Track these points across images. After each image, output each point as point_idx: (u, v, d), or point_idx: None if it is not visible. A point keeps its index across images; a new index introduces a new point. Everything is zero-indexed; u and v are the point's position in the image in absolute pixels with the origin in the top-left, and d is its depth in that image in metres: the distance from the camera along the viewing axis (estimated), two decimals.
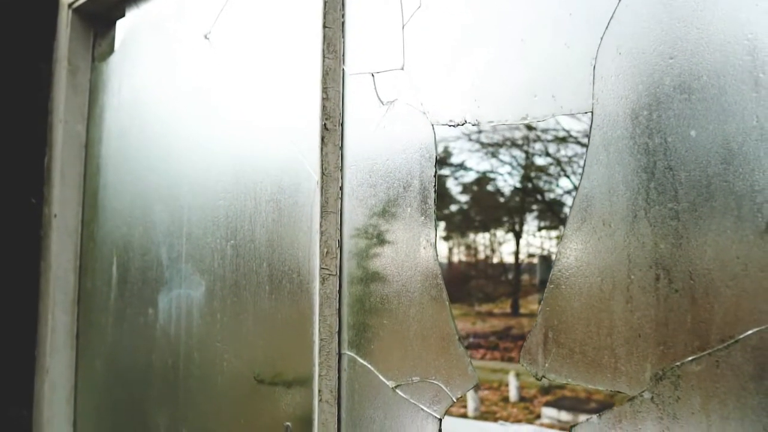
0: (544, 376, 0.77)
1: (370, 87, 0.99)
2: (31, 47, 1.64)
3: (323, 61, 1.03)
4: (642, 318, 0.70)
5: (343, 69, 1.03)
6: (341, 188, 1.01)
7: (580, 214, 0.75)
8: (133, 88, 1.52)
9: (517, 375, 8.06)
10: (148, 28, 1.52)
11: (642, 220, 0.71)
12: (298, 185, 1.06)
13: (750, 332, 0.64)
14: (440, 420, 0.86)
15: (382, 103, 0.97)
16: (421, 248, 0.90)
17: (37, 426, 1.55)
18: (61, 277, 1.59)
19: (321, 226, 1.00)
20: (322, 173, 1.01)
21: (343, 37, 1.04)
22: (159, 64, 1.46)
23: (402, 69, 0.95)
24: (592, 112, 0.75)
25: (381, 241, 0.95)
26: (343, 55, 1.04)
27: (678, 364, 0.68)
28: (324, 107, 1.02)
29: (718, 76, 0.67)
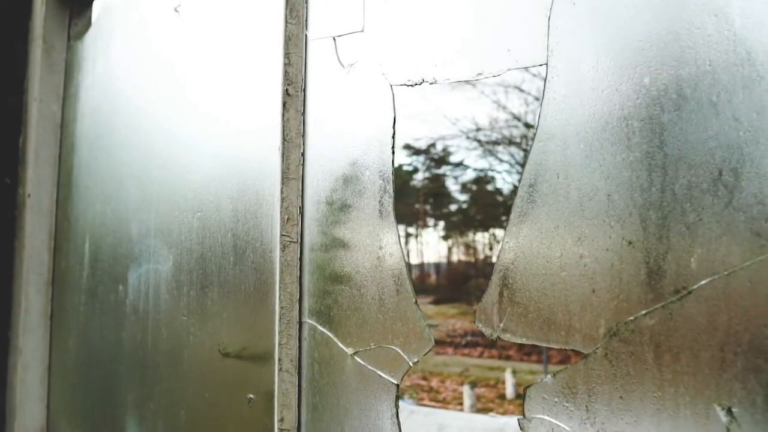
0: (498, 337, 0.75)
1: (331, 51, 0.98)
2: (6, 26, 1.63)
3: (285, 26, 1.01)
4: (595, 272, 0.68)
5: (306, 34, 1.02)
6: (303, 154, 0.99)
7: (536, 164, 0.73)
8: (107, 65, 1.50)
9: (514, 372, 8.03)
10: (121, 4, 1.50)
11: (596, 170, 0.69)
12: (264, 154, 1.04)
13: (703, 282, 0.62)
14: (397, 386, 0.84)
15: (342, 66, 0.95)
16: (378, 211, 0.88)
17: (10, 407, 1.53)
18: (35, 258, 1.58)
19: (282, 192, 0.98)
20: (284, 139, 0.99)
21: (306, 3, 1.03)
22: (131, 41, 1.44)
23: (362, 31, 0.94)
24: (546, 65, 0.73)
25: (342, 206, 0.94)
26: (306, 21, 1.02)
27: (631, 318, 0.66)
28: (286, 73, 1.00)
29: (675, 21, 0.65)
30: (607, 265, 0.67)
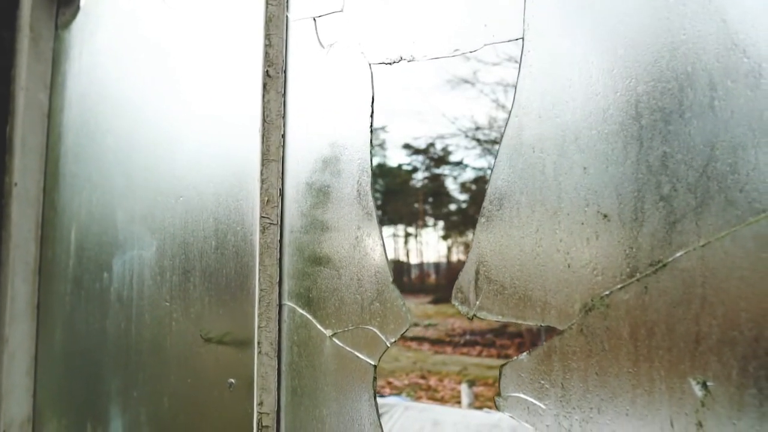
0: (475, 315, 0.74)
1: (312, 32, 0.97)
2: None
3: (267, 8, 1.00)
4: (570, 247, 0.67)
5: (287, 15, 1.01)
6: (283, 136, 0.98)
7: (512, 139, 0.72)
8: (93, 54, 1.49)
9: None
10: None
11: (571, 144, 0.68)
12: (245, 134, 1.04)
13: (678, 254, 0.61)
14: (375, 366, 0.83)
15: (322, 46, 0.95)
16: (356, 191, 0.87)
17: None
18: (21, 247, 1.57)
19: (262, 174, 0.97)
20: (264, 121, 0.98)
21: None
22: (116, 28, 1.43)
23: (342, 11, 0.93)
24: (522, 39, 0.72)
25: (322, 187, 0.93)
26: (287, 2, 1.01)
27: (606, 293, 0.65)
28: (266, 54, 0.99)
29: None
30: (583, 239, 0.66)
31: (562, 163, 0.68)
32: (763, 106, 0.57)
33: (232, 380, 1.03)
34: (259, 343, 0.94)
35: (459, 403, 7.35)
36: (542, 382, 0.69)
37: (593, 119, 0.66)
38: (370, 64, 0.88)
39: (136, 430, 1.22)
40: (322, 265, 0.91)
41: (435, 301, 18.76)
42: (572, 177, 0.67)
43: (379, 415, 0.82)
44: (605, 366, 0.65)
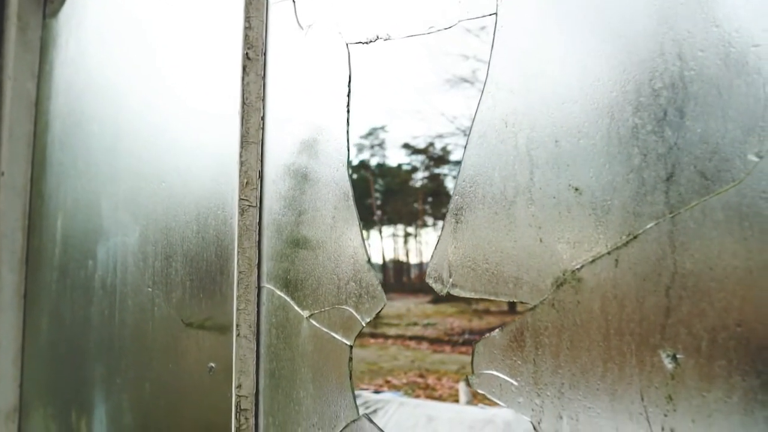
0: (448, 292, 0.74)
1: (291, 13, 0.96)
2: None
3: None
4: (543, 221, 0.67)
5: None
6: (263, 118, 0.98)
7: (484, 114, 0.71)
8: (79, 42, 1.49)
9: None
10: None
11: (543, 117, 0.67)
12: (224, 116, 1.03)
13: (649, 226, 0.60)
14: (351, 347, 0.82)
15: (301, 27, 0.94)
16: (335, 170, 0.87)
17: None
18: (8, 236, 1.56)
19: (241, 156, 0.96)
20: (243, 103, 0.97)
21: None
22: (102, 16, 1.43)
23: None
24: (496, 14, 0.72)
25: (300, 169, 0.92)
26: None
27: (578, 266, 0.64)
28: (246, 36, 0.99)
29: None
30: (555, 213, 0.66)
31: (534, 138, 0.67)
32: (733, 75, 0.56)
33: (213, 364, 1.02)
34: (237, 325, 0.94)
35: (457, 401, 7.34)
36: (514, 358, 0.68)
37: (565, 92, 0.66)
38: (347, 44, 0.87)
39: (119, 416, 1.21)
40: (300, 247, 0.90)
41: (434, 301, 18.76)
42: (545, 151, 0.67)
43: (354, 396, 0.82)
44: (576, 341, 0.64)
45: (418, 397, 7.03)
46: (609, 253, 0.63)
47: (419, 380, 8.61)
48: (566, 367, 0.65)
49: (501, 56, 0.71)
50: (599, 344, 0.63)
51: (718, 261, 0.56)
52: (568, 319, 0.65)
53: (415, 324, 14.57)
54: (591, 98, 0.64)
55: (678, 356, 0.59)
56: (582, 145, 0.64)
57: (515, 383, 0.68)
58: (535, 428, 0.66)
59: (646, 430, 0.60)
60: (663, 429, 0.59)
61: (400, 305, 18.77)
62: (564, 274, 0.65)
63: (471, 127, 0.72)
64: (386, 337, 12.96)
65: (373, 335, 13.22)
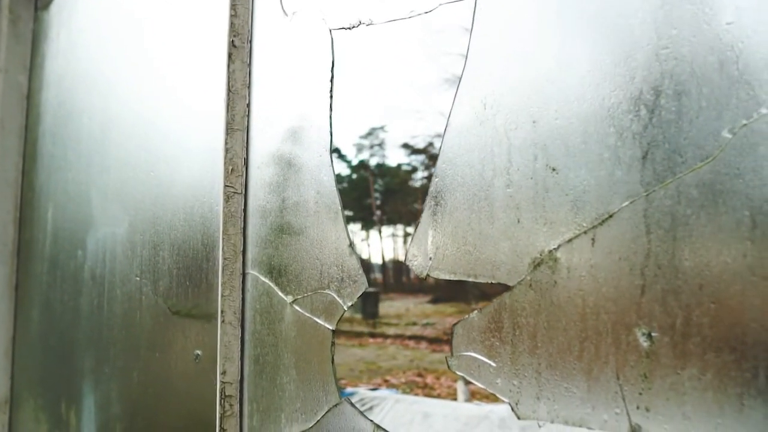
0: (428, 275, 0.74)
1: (276, 0, 0.96)
2: None
3: None
4: (521, 201, 0.67)
5: None
6: (248, 105, 0.98)
7: (464, 96, 0.71)
8: (70, 34, 1.49)
9: None
10: None
11: (522, 98, 0.67)
12: (211, 105, 1.03)
13: (624, 204, 0.60)
14: (333, 331, 0.82)
15: (286, 14, 0.94)
16: (318, 155, 0.87)
17: None
18: None
19: (226, 143, 0.97)
20: (229, 90, 0.97)
21: None
22: (94, 6, 1.43)
23: None
24: None
25: (285, 155, 0.92)
26: None
27: (555, 247, 0.64)
28: (232, 24, 0.99)
29: None
30: (532, 193, 0.66)
31: (512, 119, 0.68)
32: (707, 51, 0.57)
33: (199, 352, 1.02)
34: (222, 312, 0.94)
35: (455, 399, 7.33)
36: (493, 340, 0.68)
37: (542, 73, 0.66)
38: (330, 30, 0.87)
39: (107, 406, 1.21)
40: (284, 233, 0.90)
41: (434, 301, 18.75)
42: (522, 131, 0.67)
43: (336, 380, 0.82)
44: (553, 321, 0.64)
45: (416, 395, 7.03)
46: (585, 232, 0.63)
47: (418, 379, 8.61)
48: (543, 347, 0.65)
49: (480, 38, 0.71)
50: (576, 324, 0.63)
51: (692, 238, 0.56)
52: (545, 299, 0.65)
53: (414, 324, 14.57)
54: (567, 79, 0.64)
55: (653, 334, 0.59)
56: (559, 125, 0.65)
57: (493, 364, 0.68)
58: (513, 409, 0.66)
59: (621, 408, 0.60)
60: (638, 407, 0.59)
61: (400, 305, 18.76)
62: (541, 255, 0.65)
63: (451, 110, 0.72)
64: (385, 336, 12.96)
65: (372, 335, 13.21)
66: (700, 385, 0.56)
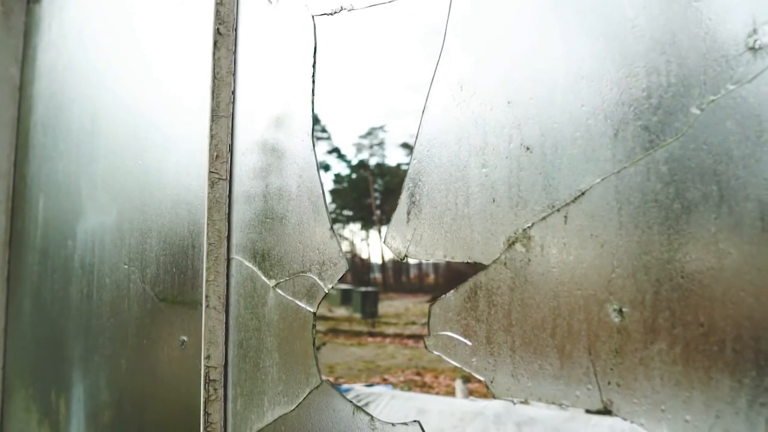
0: (406, 255, 0.74)
1: None
2: None
3: None
4: (496, 181, 0.67)
5: None
6: (233, 92, 0.99)
7: (440, 79, 0.72)
8: (62, 24, 1.50)
9: None
10: None
11: (497, 79, 0.68)
12: (197, 92, 1.04)
13: (596, 181, 0.61)
14: (314, 314, 0.83)
15: (270, 1, 0.95)
16: (300, 140, 0.87)
17: None
18: None
19: (211, 130, 0.97)
20: (214, 78, 0.98)
21: None
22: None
23: None
24: None
25: (269, 140, 0.93)
26: None
27: (528, 225, 0.65)
28: (218, 12, 1.00)
29: None
30: (506, 172, 0.67)
31: (487, 99, 0.68)
32: (676, 28, 0.57)
33: (184, 338, 1.03)
34: (207, 297, 0.94)
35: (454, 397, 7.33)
36: (468, 319, 0.69)
37: (516, 55, 0.66)
38: (313, 16, 0.88)
39: (96, 394, 1.22)
40: (267, 217, 0.91)
41: (433, 300, 18.74)
42: (498, 112, 0.67)
43: (318, 364, 0.82)
44: (527, 299, 0.65)
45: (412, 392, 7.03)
46: (558, 210, 0.63)
47: (416, 378, 8.62)
48: (518, 325, 0.66)
49: (456, 21, 0.72)
50: (549, 301, 0.64)
51: (662, 214, 0.57)
52: (519, 277, 0.66)
53: (414, 323, 14.57)
54: (540, 58, 0.65)
55: (624, 310, 0.59)
56: (533, 104, 0.65)
57: (469, 343, 0.69)
58: (488, 387, 0.67)
59: (594, 384, 0.61)
60: (609, 383, 0.60)
61: (399, 305, 18.76)
62: (515, 233, 0.66)
63: (428, 92, 0.73)
64: (384, 336, 12.96)
65: (372, 334, 13.22)
66: (669, 359, 0.56)
